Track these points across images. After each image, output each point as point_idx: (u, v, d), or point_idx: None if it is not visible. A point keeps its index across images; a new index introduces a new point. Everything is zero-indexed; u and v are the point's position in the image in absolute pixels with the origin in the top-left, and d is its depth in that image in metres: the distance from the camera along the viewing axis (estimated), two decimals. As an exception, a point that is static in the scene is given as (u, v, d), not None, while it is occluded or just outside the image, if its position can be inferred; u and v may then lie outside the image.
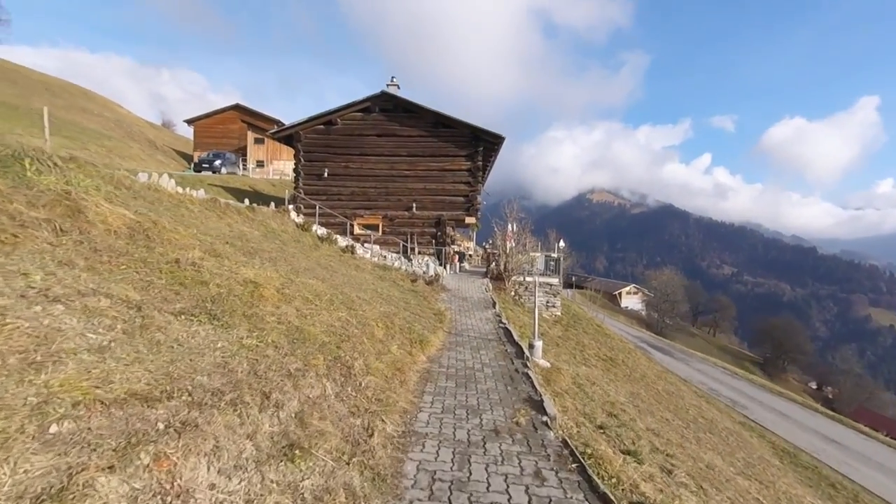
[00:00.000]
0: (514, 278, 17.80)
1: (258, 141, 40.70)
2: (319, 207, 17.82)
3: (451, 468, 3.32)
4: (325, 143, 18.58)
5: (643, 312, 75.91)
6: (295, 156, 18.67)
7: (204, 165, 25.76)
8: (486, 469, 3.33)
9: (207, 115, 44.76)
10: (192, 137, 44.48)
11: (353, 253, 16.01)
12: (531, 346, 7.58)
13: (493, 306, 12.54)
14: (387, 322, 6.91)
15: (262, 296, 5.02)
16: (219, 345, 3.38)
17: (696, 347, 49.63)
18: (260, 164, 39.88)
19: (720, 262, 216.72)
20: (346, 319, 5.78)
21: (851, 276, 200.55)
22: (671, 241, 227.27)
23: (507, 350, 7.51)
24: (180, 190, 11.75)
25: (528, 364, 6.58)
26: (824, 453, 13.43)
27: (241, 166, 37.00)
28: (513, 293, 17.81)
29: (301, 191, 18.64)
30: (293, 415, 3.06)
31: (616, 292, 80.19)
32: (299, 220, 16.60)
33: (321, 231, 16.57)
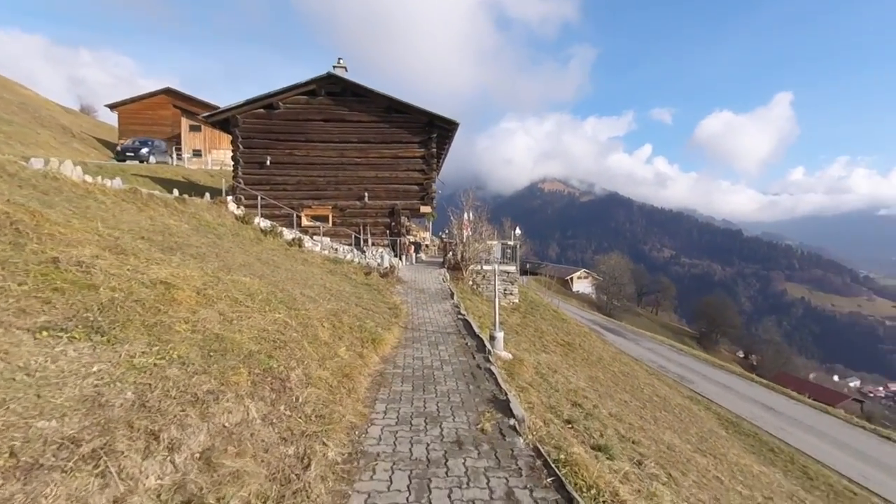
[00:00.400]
0: (471, 267, 17.43)
1: (194, 128, 37.30)
2: (262, 198, 16.40)
3: (408, 499, 2.74)
4: (267, 129, 17.06)
5: (593, 296, 79.42)
6: (233, 142, 16.99)
7: (128, 154, 22.98)
8: (449, 497, 2.78)
9: (134, 100, 40.52)
10: (116, 125, 40.16)
11: (300, 246, 14.89)
12: (492, 338, 7.15)
13: (451, 297, 12.06)
14: (334, 321, 6.17)
15: (175, 299, 4.12)
16: (94, 368, 2.55)
17: (642, 326, 52.48)
18: (197, 153, 36.67)
19: (661, 246, 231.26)
20: (283, 322, 4.99)
21: (770, 255, 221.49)
22: (617, 228, 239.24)
23: (467, 343, 7.02)
24: (88, 179, 10.16)
25: (490, 358, 6.12)
26: (762, 420, 14.36)
27: (174, 155, 33.78)
28: (470, 283, 17.46)
29: (241, 180, 17.05)
30: (197, 455, 2.33)
31: (568, 277, 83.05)
32: (239, 211, 15.19)
33: (264, 223, 15.27)
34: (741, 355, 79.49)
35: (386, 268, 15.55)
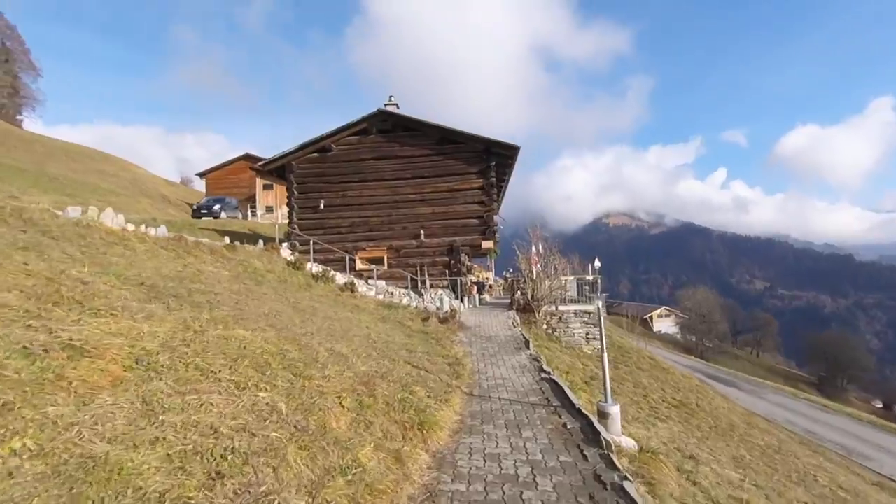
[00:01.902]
0: (544, 308, 14.77)
1: (267, 187, 39.81)
2: (315, 243, 15.48)
3: None
4: (320, 172, 16.51)
5: (678, 335, 70.53)
6: (288, 188, 16.64)
7: (202, 211, 24.15)
8: None
9: (219, 167, 44.55)
10: (204, 190, 44.15)
11: (352, 291, 13.41)
12: (603, 415, 4.61)
13: (527, 346, 9.55)
14: (364, 394, 4.11)
15: (63, 378, 2.35)
16: None
17: (744, 370, 44.32)
18: (269, 209, 38.78)
19: (750, 277, 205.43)
20: (268, 405, 3.03)
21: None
22: (696, 259, 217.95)
23: (565, 424, 4.53)
24: (130, 227, 9.54)
25: (614, 458, 3.61)
26: None
27: (248, 211, 35.77)
28: (545, 326, 14.72)
29: (295, 226, 16.42)
30: None
31: (647, 316, 74.96)
32: (291, 257, 14.24)
33: (316, 269, 14.13)
34: (879, 405, 64.58)
35: (446, 312, 13.48)
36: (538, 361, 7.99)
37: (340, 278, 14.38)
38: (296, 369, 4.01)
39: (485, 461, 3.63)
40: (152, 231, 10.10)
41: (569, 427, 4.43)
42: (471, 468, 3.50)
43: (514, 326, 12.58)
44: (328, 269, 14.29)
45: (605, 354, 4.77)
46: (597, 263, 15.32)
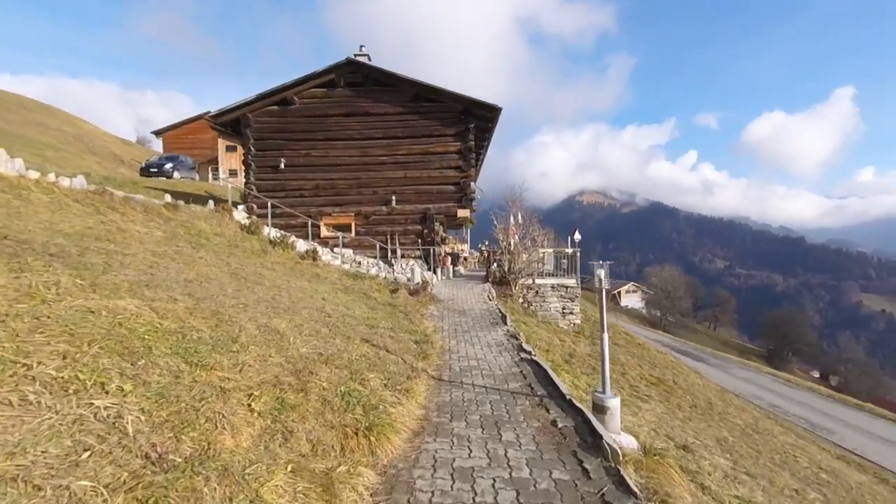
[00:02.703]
0: (521, 281, 13.95)
1: (230, 149, 36.80)
2: (275, 206, 13.92)
3: None
4: (281, 128, 14.72)
5: (644, 311, 73.05)
6: (244, 145, 14.81)
7: (152, 169, 21.70)
8: None
9: (176, 126, 40.87)
10: (161, 150, 40.65)
11: (314, 259, 12.11)
12: (599, 408, 3.71)
13: (504, 321, 8.65)
14: (293, 386, 3.01)
15: None
16: None
17: (702, 343, 46.17)
18: (233, 173, 35.99)
19: (712, 257, 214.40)
20: (112, 417, 1.90)
21: (841, 264, 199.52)
22: (663, 239, 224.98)
23: (553, 420, 3.61)
24: (33, 175, 7.84)
25: (624, 473, 2.70)
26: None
27: (209, 174, 33.06)
28: (521, 300, 13.95)
29: (253, 187, 14.72)
30: None
31: (616, 291, 76.82)
32: (246, 221, 12.69)
33: (274, 233, 12.68)
34: (816, 375, 69.76)
35: (417, 283, 12.43)
36: (516, 339, 7.09)
37: (302, 245, 13.00)
38: (194, 356, 2.84)
39: (453, 481, 2.63)
40: (66, 182, 8.40)
41: (560, 426, 3.49)
42: (433, 494, 2.49)
43: (490, 300, 11.70)
44: (288, 235, 12.87)
45: (605, 336, 3.83)
46: (577, 236, 14.54)
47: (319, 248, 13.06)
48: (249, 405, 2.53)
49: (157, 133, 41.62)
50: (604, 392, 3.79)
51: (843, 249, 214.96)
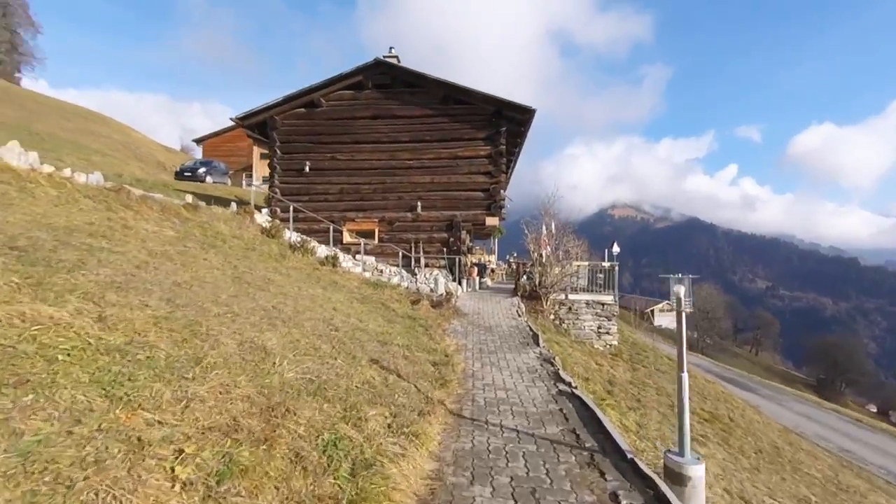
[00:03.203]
0: (552, 296, 12.81)
1: (264, 156, 37.47)
2: (298, 210, 13.48)
3: None
4: (307, 130, 14.38)
5: (681, 331, 69.12)
6: (269, 147, 14.56)
7: (186, 173, 22.09)
8: None
9: (216, 134, 42.27)
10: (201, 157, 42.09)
11: (334, 265, 11.48)
12: (675, 477, 2.67)
13: (535, 342, 7.60)
14: (254, 435, 2.18)
15: None
16: None
17: (742, 368, 42.83)
18: (266, 179, 36.69)
19: (753, 276, 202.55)
20: None
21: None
22: (699, 255, 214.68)
23: (613, 492, 2.61)
24: (47, 169, 7.57)
25: None
26: None
27: (243, 181, 33.69)
28: (552, 317, 12.80)
29: (277, 190, 14.39)
30: None
31: (649, 310, 73.16)
32: (267, 224, 12.27)
33: (295, 238, 12.18)
34: (873, 409, 63.46)
35: (440, 295, 11.56)
36: (551, 364, 6.04)
37: (323, 251, 12.44)
38: (122, 386, 2.06)
39: None
40: (81, 178, 8.12)
41: (618, 494, 2.48)
42: None
43: (519, 315, 10.65)
44: (309, 239, 12.34)
45: (685, 377, 2.80)
46: (615, 249, 13.29)
47: (341, 255, 12.45)
48: (172, 469, 1.71)
49: (198, 141, 43.19)
50: (682, 454, 2.75)
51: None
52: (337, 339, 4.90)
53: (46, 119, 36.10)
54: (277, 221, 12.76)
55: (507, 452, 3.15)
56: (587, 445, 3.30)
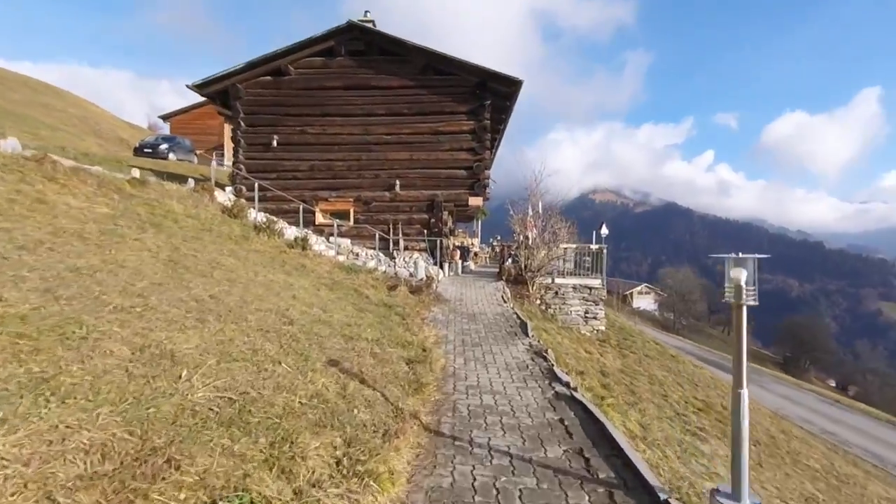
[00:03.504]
0: (538, 280, 12.12)
1: (236, 135, 35.37)
2: (263, 188, 12.27)
3: None
4: (274, 101, 13.02)
5: (656, 313, 70.85)
6: (233, 119, 13.18)
7: (146, 150, 20.24)
8: None
9: (184, 110, 39.59)
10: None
11: (304, 248, 10.43)
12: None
13: (524, 331, 6.86)
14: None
15: None
16: None
17: (717, 348, 43.97)
18: (239, 159, 34.61)
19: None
20: None
21: (860, 271, 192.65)
22: (676, 240, 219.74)
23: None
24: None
25: None
26: None
27: (214, 160, 31.71)
28: (538, 302, 12.14)
29: (241, 166, 13.08)
30: None
31: (627, 292, 74.43)
32: (229, 202, 11.08)
33: (260, 218, 11.05)
34: (832, 384, 66.96)
35: (420, 279, 10.70)
36: (544, 358, 5.29)
37: (293, 232, 11.36)
38: None
39: None
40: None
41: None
42: None
43: (505, 301, 9.91)
44: (277, 220, 11.22)
45: (745, 394, 2.04)
46: (604, 231, 12.64)
47: (313, 237, 11.40)
48: None
49: (165, 118, 40.42)
50: (738, 498, 2.00)
51: (862, 255, 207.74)
52: (289, 335, 3.99)
53: (-11, 90, 32.89)
54: (242, 201, 11.56)
55: (498, 491, 2.35)
56: (602, 476, 2.53)
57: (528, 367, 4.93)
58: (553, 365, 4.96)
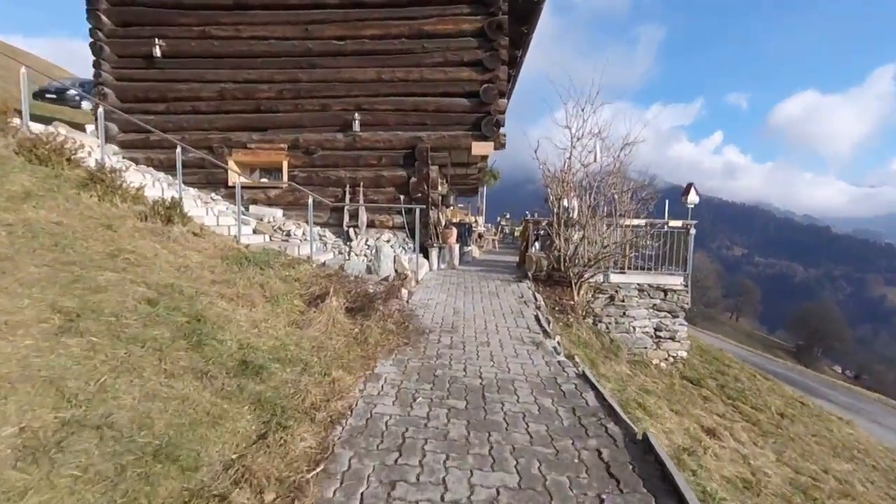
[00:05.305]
0: (588, 278, 7.18)
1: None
2: (139, 129, 7.29)
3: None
4: (156, -17, 7.93)
5: (667, 300, 67.12)
6: (91, 14, 8.08)
7: (48, 94, 15.53)
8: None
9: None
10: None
11: (169, 220, 5.40)
12: None
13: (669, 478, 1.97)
14: None
15: None
16: None
17: (726, 335, 40.10)
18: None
19: (730, 244, 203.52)
20: None
21: (866, 256, 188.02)
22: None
23: None
24: None
25: None
26: None
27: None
28: (583, 314, 7.21)
29: (105, 89, 8.07)
30: None
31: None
32: (57, 139, 5.98)
33: (116, 164, 6.02)
34: (849, 374, 63.41)
35: (385, 279, 5.72)
36: None
37: (158, 191, 6.38)
38: None
39: None
40: None
41: None
42: None
43: (543, 330, 4.93)
44: (128, 168, 6.24)
45: None
46: (693, 198, 7.68)
47: (195, 201, 6.47)
48: None
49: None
50: None
51: (869, 240, 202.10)
52: None
53: None
54: (62, 131, 6.50)
55: None
56: None
57: None
58: None
